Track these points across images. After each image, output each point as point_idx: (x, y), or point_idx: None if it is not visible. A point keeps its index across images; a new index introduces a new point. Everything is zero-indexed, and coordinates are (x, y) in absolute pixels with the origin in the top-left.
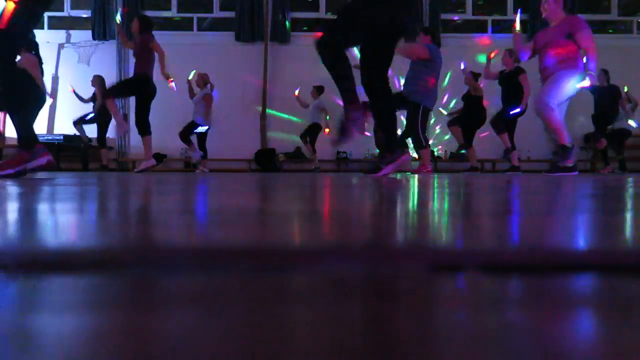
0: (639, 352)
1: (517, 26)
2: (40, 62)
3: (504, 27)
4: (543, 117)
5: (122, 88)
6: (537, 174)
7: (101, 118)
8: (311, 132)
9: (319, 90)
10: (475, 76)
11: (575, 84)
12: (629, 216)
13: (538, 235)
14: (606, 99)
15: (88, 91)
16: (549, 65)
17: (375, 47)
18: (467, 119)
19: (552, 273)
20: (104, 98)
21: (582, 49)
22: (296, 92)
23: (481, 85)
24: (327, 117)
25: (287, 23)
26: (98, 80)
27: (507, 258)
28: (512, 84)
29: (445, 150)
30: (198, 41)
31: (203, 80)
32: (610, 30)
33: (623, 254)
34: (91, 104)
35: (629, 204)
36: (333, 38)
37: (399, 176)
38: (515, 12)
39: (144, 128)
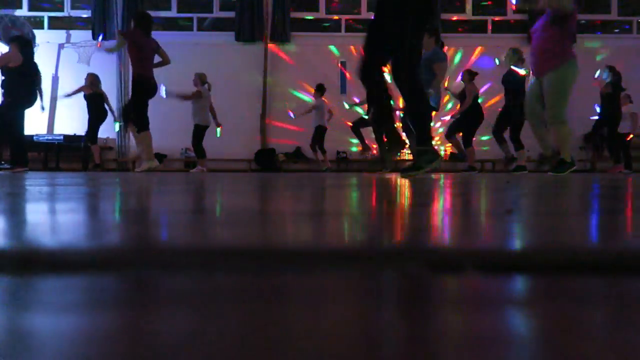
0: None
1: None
2: (32, 65)
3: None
4: (555, 131)
5: (132, 104)
6: (537, 174)
7: (92, 114)
8: (318, 136)
9: (320, 89)
10: (472, 75)
11: (570, 77)
12: (628, 216)
13: (538, 235)
14: (609, 99)
15: None
16: (536, 60)
17: (403, 45)
18: (465, 119)
19: (552, 273)
20: (127, 126)
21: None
22: (292, 115)
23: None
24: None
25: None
26: (91, 78)
27: (507, 258)
28: (518, 85)
29: (446, 150)
30: (198, 41)
31: (201, 79)
32: (616, 30)
33: (625, 254)
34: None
35: (628, 204)
36: (370, 61)
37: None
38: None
39: (142, 124)
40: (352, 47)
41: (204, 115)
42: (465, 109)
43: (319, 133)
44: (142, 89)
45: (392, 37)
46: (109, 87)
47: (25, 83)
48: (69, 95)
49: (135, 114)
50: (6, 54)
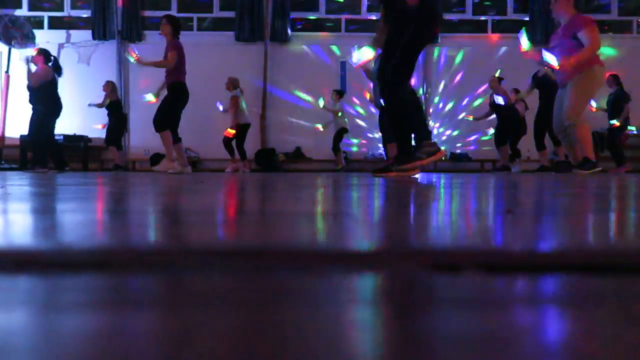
0: (638, 350)
1: (524, 45)
2: (59, 73)
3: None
4: (575, 132)
5: (169, 111)
6: (536, 174)
7: (114, 120)
8: (338, 138)
9: (339, 94)
10: (498, 80)
11: (594, 81)
12: (629, 217)
13: (539, 235)
14: (613, 104)
15: (89, 91)
16: (560, 74)
17: (402, 56)
18: (511, 130)
19: (552, 272)
20: (158, 131)
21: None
22: (320, 104)
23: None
24: (346, 119)
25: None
26: (110, 86)
27: (507, 258)
28: (550, 87)
29: (446, 150)
30: (198, 41)
31: (233, 84)
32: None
33: (622, 254)
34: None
35: (625, 205)
36: (387, 78)
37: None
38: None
39: (162, 124)
40: (352, 47)
41: (243, 115)
42: (506, 115)
43: (340, 135)
44: (182, 97)
45: (386, 42)
46: None
47: (53, 94)
48: (100, 106)
49: (166, 119)
50: (39, 72)
